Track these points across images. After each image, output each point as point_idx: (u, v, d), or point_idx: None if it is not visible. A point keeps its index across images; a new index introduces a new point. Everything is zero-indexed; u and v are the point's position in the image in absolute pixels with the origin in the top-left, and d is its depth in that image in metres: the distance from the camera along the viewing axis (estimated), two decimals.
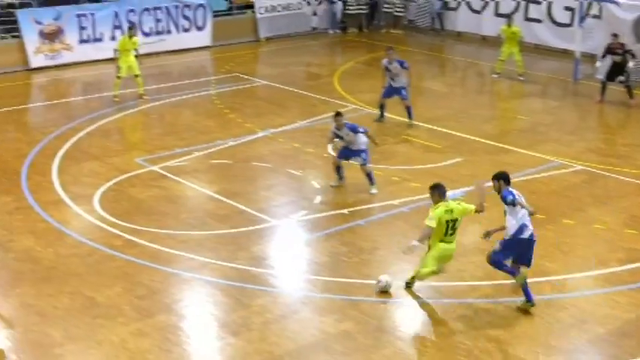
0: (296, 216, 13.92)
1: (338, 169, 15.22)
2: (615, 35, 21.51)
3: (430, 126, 18.99)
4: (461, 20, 30.11)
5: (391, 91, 19.08)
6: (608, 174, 15.96)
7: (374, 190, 14.83)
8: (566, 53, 26.40)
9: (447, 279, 11.62)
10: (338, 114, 14.94)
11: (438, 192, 11.16)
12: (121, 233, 13.11)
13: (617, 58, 21.07)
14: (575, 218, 13.83)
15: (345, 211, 14.12)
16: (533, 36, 27.64)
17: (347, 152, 14.98)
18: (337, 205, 14.39)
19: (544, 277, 11.79)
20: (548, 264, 12.16)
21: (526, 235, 10.84)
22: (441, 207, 11.01)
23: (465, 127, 18.96)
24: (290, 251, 12.77)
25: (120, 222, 13.50)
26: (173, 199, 14.64)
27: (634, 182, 15.51)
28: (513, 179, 15.37)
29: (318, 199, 14.69)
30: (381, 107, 19.37)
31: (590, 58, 24.64)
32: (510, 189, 11.09)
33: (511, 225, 10.86)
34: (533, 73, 24.56)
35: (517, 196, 10.96)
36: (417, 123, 19.09)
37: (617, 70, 21.11)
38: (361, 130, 14.83)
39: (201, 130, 18.61)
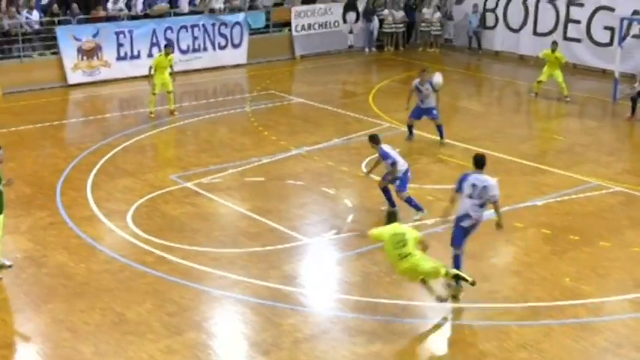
0: (328, 234, 13.92)
1: (385, 191, 14.82)
2: None
3: (466, 145, 18.89)
4: (498, 39, 30.04)
5: (420, 112, 19.08)
6: None
7: (416, 217, 14.49)
8: (605, 73, 26.20)
9: (478, 300, 11.53)
10: (371, 139, 14.65)
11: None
12: (153, 250, 13.20)
13: None
14: (611, 240, 13.66)
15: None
16: (572, 55, 27.42)
17: (388, 176, 14.79)
18: (370, 224, 14.31)
19: (579, 299, 11.65)
20: (584, 287, 12.01)
21: (465, 224, 11.40)
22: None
23: (502, 146, 18.85)
24: (321, 270, 12.76)
25: (152, 238, 13.60)
26: (206, 216, 14.72)
27: None
28: (550, 200, 15.37)
29: (350, 217, 14.67)
30: (410, 127, 19.36)
31: (630, 78, 24.42)
32: (471, 176, 11.57)
33: (458, 208, 11.57)
34: (571, 93, 24.35)
35: (467, 187, 11.43)
36: (450, 142, 19.04)
37: None
38: (389, 161, 14.46)
39: (235, 148, 18.73)
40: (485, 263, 12.82)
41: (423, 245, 11.09)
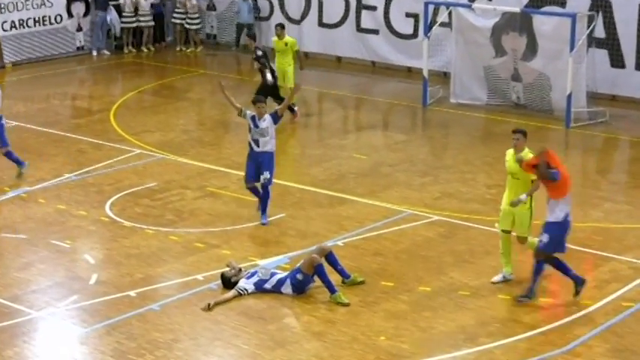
0: (64, 303, 13.59)
1: None
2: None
3: (242, 173, 19.05)
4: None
5: None
6: (471, 224, 16.53)
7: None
8: (411, 72, 27.39)
9: None
10: None
11: None
12: None
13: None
14: (433, 284, 14.20)
15: (132, 292, 13.92)
16: (369, 51, 28.52)
17: None
18: (121, 285, 14.17)
19: None
20: (403, 345, 12.40)
21: None
22: None
23: (288, 172, 19.22)
24: (59, 352, 12.42)
25: None
26: None
27: None
28: (354, 237, 15.80)
29: (94, 278, 14.42)
30: None
31: (444, 77, 25.73)
32: None
33: None
34: (371, 99, 25.31)
35: None
36: (221, 169, 19.21)
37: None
38: None
39: None
40: (276, 325, 12.98)
41: None
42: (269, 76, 22.31)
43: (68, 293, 13.92)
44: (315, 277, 13.61)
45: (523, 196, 13.45)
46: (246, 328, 12.83)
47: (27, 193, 17.95)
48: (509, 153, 13.83)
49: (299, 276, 13.61)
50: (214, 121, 23.70)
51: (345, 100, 25.26)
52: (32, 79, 27.60)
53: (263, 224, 16.35)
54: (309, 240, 15.65)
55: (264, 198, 16.48)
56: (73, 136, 21.73)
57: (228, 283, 13.86)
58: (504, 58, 23.99)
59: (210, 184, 18.47)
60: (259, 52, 22.60)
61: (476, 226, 16.48)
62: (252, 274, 13.90)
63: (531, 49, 23.57)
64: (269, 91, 21.94)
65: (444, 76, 25.84)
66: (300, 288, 13.65)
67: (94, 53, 30.58)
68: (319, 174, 19.32)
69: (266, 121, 16.34)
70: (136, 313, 13.30)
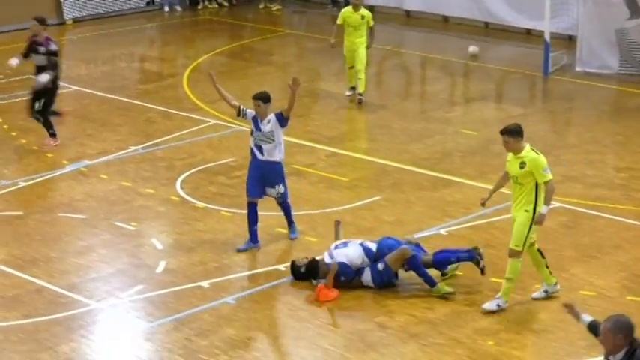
0: (128, 293, 13.78)
1: None
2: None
3: (332, 149, 19.14)
4: None
5: None
6: (598, 213, 16.37)
7: None
8: (530, 35, 27.14)
9: None
10: None
11: None
12: None
13: None
14: None
15: (205, 283, 14.05)
16: (481, 10, 28.31)
17: None
18: (192, 274, 14.30)
19: None
20: (515, 352, 12.35)
21: None
22: None
23: (384, 149, 19.19)
24: (121, 348, 12.61)
25: None
26: None
27: (635, 224, 15.95)
28: (459, 226, 15.74)
29: (162, 265, 14.59)
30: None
31: (569, 41, 25.46)
32: None
33: None
34: (484, 65, 25.12)
35: None
36: (307, 144, 19.23)
37: None
38: None
39: None
40: (368, 325, 13.00)
41: None
42: (46, 77, 18.99)
43: (132, 282, 14.11)
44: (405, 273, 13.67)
45: (544, 209, 12.89)
46: (334, 327, 12.90)
47: (88, 168, 18.20)
48: (510, 154, 13.30)
49: (380, 266, 13.62)
50: (301, 89, 23.65)
51: (453, 67, 25.08)
52: (95, 37, 27.94)
53: (292, 239, 15.47)
54: (408, 227, 15.62)
55: (285, 211, 15.53)
56: (141, 103, 21.97)
57: (298, 273, 13.93)
58: None
59: (295, 161, 18.51)
60: (54, 47, 19.28)
61: (603, 215, 16.31)
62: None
63: None
64: (41, 94, 19.30)
65: (568, 41, 25.60)
66: (379, 280, 13.65)
67: (166, 9, 30.85)
68: (421, 152, 19.29)
69: (270, 123, 15.03)
70: (208, 307, 13.43)
